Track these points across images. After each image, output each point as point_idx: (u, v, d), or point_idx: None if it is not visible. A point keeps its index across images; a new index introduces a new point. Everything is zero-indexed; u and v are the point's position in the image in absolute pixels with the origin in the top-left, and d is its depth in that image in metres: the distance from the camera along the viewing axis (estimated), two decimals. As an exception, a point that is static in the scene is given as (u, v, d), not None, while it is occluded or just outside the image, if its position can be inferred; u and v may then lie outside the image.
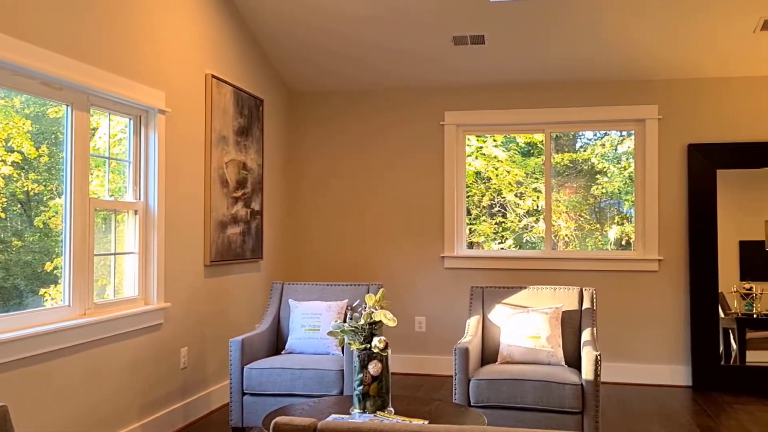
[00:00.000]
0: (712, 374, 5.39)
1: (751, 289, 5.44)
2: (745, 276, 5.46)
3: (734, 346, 5.45)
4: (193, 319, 4.55)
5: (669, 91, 5.65)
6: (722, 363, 5.42)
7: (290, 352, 4.37)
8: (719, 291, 5.45)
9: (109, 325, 3.65)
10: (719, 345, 5.42)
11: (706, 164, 5.51)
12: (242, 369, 4.04)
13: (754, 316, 5.43)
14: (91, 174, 3.70)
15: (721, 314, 5.45)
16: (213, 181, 4.76)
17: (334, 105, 6.28)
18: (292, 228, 6.32)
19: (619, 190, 6.04)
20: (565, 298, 4.27)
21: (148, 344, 4.04)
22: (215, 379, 4.86)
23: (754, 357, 5.41)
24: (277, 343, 4.56)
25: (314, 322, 4.35)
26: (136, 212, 4.06)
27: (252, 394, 4.02)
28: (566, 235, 6.13)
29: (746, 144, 5.46)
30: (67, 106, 3.49)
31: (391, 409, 3.06)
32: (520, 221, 6.29)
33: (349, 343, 3.11)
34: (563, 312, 4.21)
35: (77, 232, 3.52)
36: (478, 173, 6.33)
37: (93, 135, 3.77)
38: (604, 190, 6.08)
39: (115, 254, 3.93)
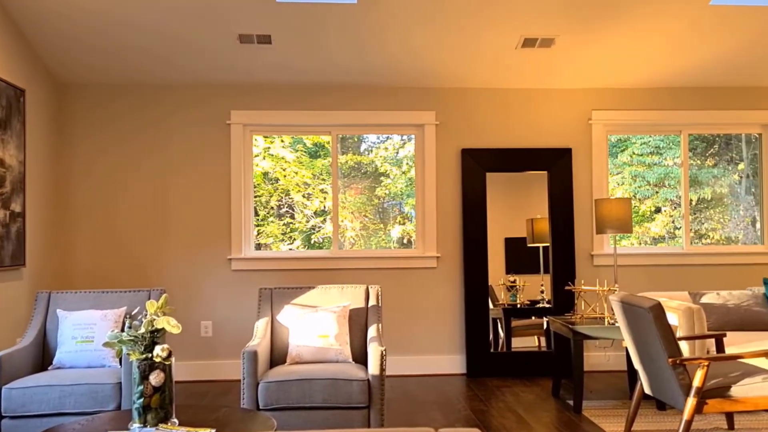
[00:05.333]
0: (484, 361, 5.86)
1: (515, 281, 6.00)
2: (510, 270, 6.01)
3: (501, 334, 5.98)
4: (-63, 338, 3.95)
5: (445, 99, 6.04)
6: (492, 350, 5.92)
7: (59, 368, 3.98)
8: (489, 284, 5.95)
9: None
10: (489, 334, 5.91)
11: (477, 167, 5.98)
12: (0, 389, 3.59)
13: (518, 305, 5.99)
14: None
15: (491, 305, 5.95)
16: (-38, 179, 4.17)
17: (111, 99, 5.84)
18: (62, 231, 5.76)
19: (401, 191, 6.34)
20: (353, 296, 4.37)
21: None
22: (-34, 404, 4.27)
23: (518, 343, 5.98)
24: (43, 358, 4.13)
25: (87, 333, 4.00)
26: None
27: (13, 417, 3.59)
28: (353, 235, 6.30)
29: (510, 149, 6.01)
30: None
31: (175, 420, 2.90)
32: (308, 222, 6.35)
33: (128, 354, 2.89)
34: (351, 310, 4.30)
35: None
36: (265, 174, 6.27)
37: None
38: (387, 191, 6.34)
39: None
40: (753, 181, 6.39)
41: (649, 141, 6.58)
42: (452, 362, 5.96)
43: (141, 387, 2.83)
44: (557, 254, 5.96)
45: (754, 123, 6.21)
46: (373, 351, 3.78)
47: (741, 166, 6.45)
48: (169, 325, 2.91)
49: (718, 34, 5.29)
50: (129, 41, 5.19)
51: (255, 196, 6.09)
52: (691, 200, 6.32)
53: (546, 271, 6.00)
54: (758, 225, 6.34)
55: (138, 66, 5.56)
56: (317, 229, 6.32)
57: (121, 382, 3.69)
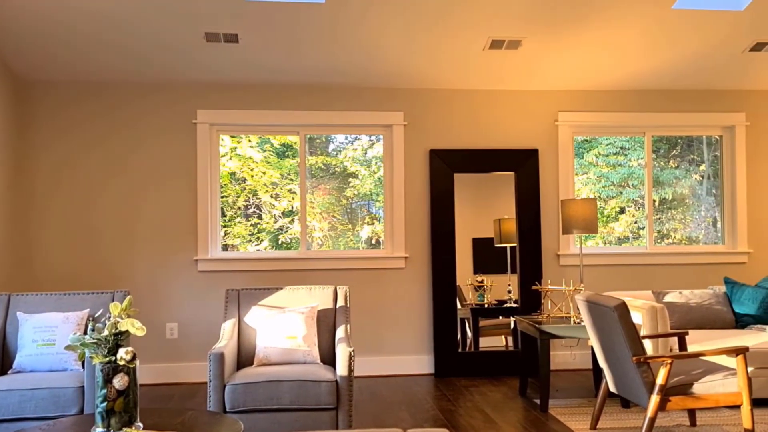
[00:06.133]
0: (452, 361, 5.89)
1: (482, 281, 6.04)
2: (477, 270, 6.05)
3: (469, 334, 6.01)
4: None
5: (413, 100, 6.05)
6: (460, 350, 5.94)
7: (19, 371, 3.89)
8: (457, 284, 5.97)
9: None
10: (457, 334, 5.94)
11: (445, 168, 6.00)
12: (-43, 395, 3.50)
13: (486, 305, 6.03)
14: None
15: (459, 305, 5.98)
16: None
17: (74, 97, 5.73)
18: (20, 232, 5.63)
19: (370, 191, 6.33)
20: (321, 297, 4.35)
21: None
22: None
23: (485, 343, 6.02)
24: (2, 362, 4.03)
25: (49, 335, 3.91)
26: None
27: (-30, 424, 3.50)
28: (321, 236, 6.28)
29: (478, 150, 6.05)
30: None
31: (140, 424, 2.85)
32: (275, 222, 6.30)
33: (91, 357, 2.84)
34: (319, 311, 4.28)
35: None
36: (232, 174, 6.21)
37: None
38: (355, 192, 6.33)
39: None
40: (714, 182, 6.52)
41: (615, 142, 6.68)
42: (420, 362, 5.97)
43: (104, 390, 2.77)
44: (524, 254, 6.01)
45: (715, 125, 6.34)
46: (342, 352, 3.77)
47: (702, 167, 6.59)
48: (134, 327, 2.86)
49: (681, 38, 5.39)
50: (93, 42, 5.09)
51: (222, 197, 6.03)
52: (654, 201, 6.43)
53: (513, 271, 6.05)
54: (719, 225, 6.47)
55: (101, 63, 5.46)
56: (285, 230, 6.28)
57: (83, 386, 3.62)
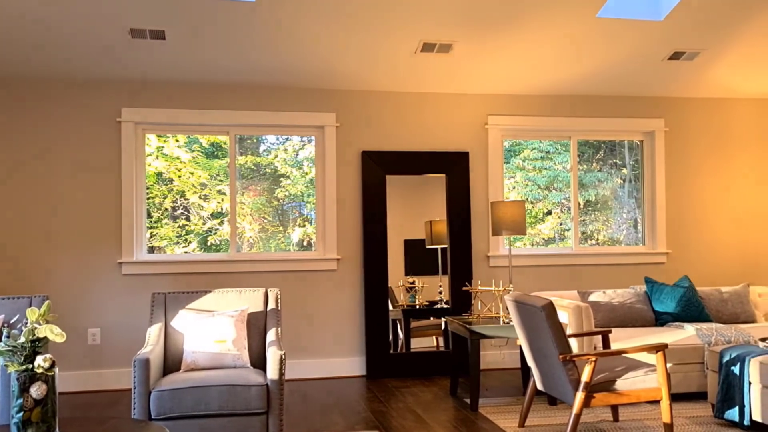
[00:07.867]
0: (383, 362, 5.90)
1: (414, 283, 6.08)
2: (409, 271, 6.08)
3: (401, 335, 6.04)
4: None
5: (345, 101, 6.04)
6: (391, 351, 5.96)
7: (-74, 383, 3.66)
8: (389, 286, 5.99)
9: None
10: (389, 335, 5.96)
11: (377, 170, 6.01)
12: None
13: (417, 306, 6.07)
14: None
15: (391, 307, 6.00)
16: None
17: (-13, 91, 5.45)
18: (-71, 234, 5.31)
19: (301, 192, 6.28)
20: (251, 300, 4.28)
21: None
22: None
23: (417, 343, 6.06)
24: None
25: (-41, 343, 3.69)
26: None
27: None
28: (251, 237, 6.18)
29: (410, 152, 6.09)
30: None
31: (59, 434, 2.73)
32: (204, 224, 6.17)
33: (6, 365, 2.70)
34: (249, 314, 4.21)
35: None
36: (159, 174, 6.05)
37: None
38: (287, 193, 6.26)
39: None
40: (635, 185, 6.78)
41: (539, 146, 6.85)
42: (352, 364, 5.96)
43: (20, 400, 2.65)
44: (455, 256, 6.08)
45: (636, 131, 6.59)
46: (272, 355, 3.71)
47: (624, 171, 6.83)
48: (53, 333, 2.74)
49: (604, 46, 5.57)
50: (8, 28, 4.85)
51: (148, 198, 5.86)
52: (578, 203, 6.63)
53: (444, 273, 6.11)
54: (639, 227, 6.73)
55: (19, 58, 5.21)
56: (214, 232, 6.15)
57: (-3, 396, 3.44)
